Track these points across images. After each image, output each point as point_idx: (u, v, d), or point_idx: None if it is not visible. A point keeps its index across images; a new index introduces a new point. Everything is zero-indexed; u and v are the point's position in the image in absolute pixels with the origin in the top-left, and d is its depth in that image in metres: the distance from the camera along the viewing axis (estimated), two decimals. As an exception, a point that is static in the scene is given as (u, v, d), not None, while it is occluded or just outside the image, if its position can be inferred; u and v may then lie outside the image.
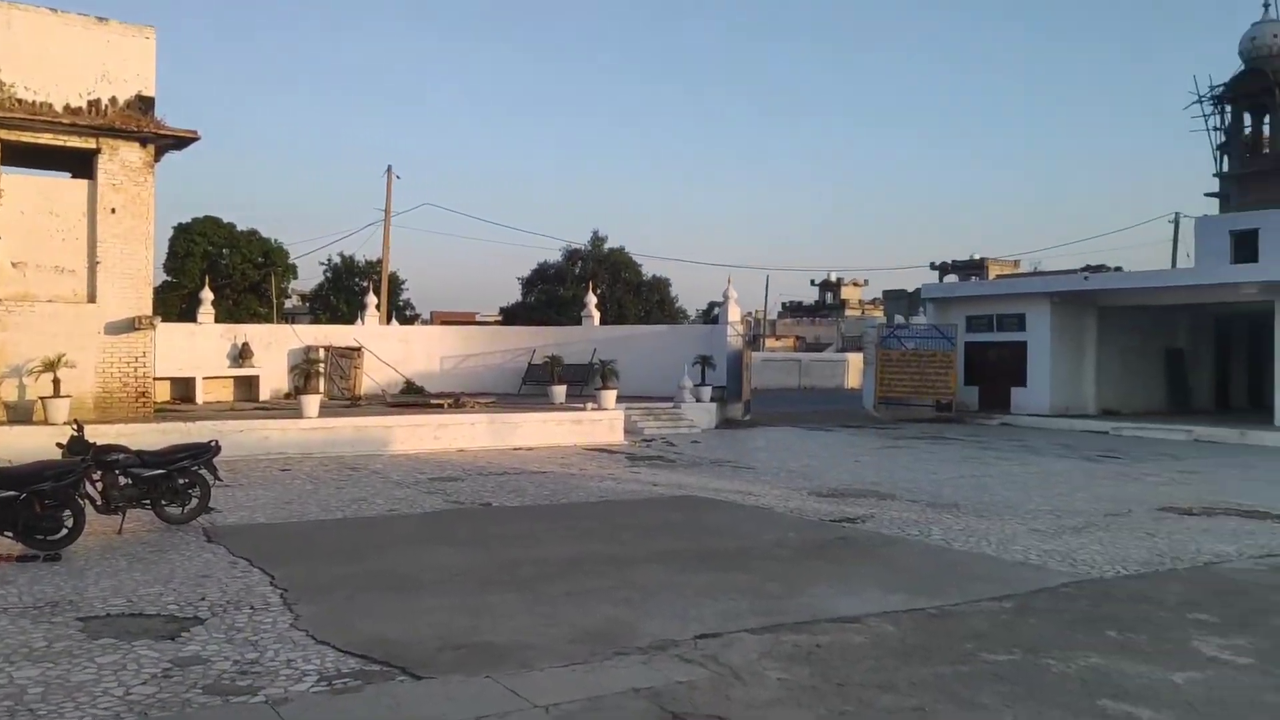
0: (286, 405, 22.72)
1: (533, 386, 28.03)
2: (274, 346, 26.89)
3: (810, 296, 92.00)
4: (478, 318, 58.31)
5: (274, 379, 26.23)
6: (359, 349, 27.62)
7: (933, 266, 71.85)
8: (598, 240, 54.34)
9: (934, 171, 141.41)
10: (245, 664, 6.29)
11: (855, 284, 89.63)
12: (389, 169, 39.74)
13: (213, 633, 6.98)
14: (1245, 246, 32.55)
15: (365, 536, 10.85)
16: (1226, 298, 27.75)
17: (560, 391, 24.68)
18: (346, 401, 25.22)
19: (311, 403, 19.66)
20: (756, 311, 74.66)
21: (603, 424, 21.98)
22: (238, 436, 17.40)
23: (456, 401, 23.45)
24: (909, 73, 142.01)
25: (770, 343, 69.24)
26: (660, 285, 54.29)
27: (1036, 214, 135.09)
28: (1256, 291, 25.96)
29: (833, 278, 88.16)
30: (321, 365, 25.30)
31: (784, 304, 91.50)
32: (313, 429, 18.86)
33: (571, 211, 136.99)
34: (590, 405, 22.91)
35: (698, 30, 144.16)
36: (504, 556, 9.66)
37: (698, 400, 25.93)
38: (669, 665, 6.34)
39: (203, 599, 7.92)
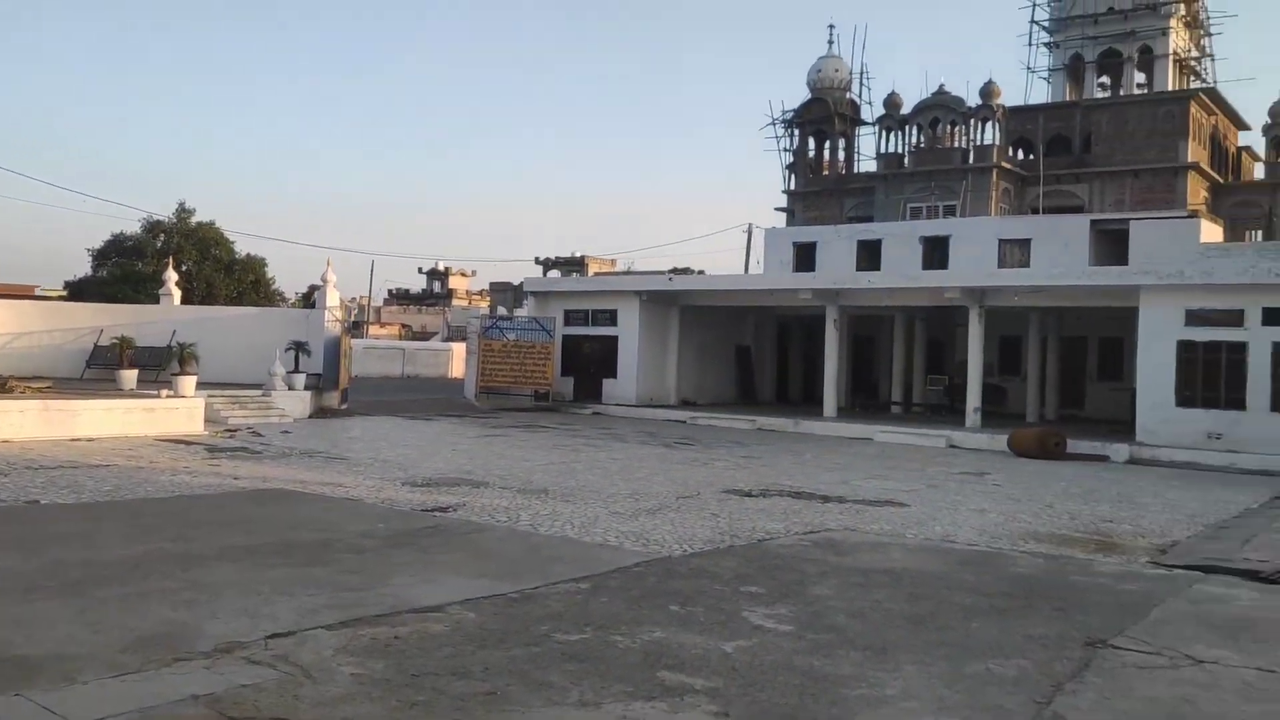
0: None
1: (99, 370, 25.38)
2: None
3: (418, 285, 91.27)
4: (37, 291, 51.73)
5: None
6: (-123, 323, 23.55)
7: (537, 261, 73.98)
8: (184, 212, 50.09)
9: (545, 169, 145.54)
10: None
11: (464, 274, 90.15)
12: (-76, 115, 34.14)
13: None
14: (805, 257, 36.50)
15: None
16: (788, 301, 31.16)
17: (130, 376, 22.52)
18: None
19: None
20: (361, 297, 72.86)
21: (180, 412, 20.36)
22: None
23: (3, 385, 20.69)
24: (520, 73, 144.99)
25: (375, 330, 67.89)
26: (255, 265, 51.10)
27: (636, 217, 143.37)
28: (812, 297, 29.37)
29: (441, 267, 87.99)
30: None
31: (390, 291, 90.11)
32: None
33: (155, 180, 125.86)
34: (165, 392, 21.14)
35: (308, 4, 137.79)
36: (49, 559, 8.63)
37: (290, 388, 24.84)
38: (234, 668, 5.96)
39: None
